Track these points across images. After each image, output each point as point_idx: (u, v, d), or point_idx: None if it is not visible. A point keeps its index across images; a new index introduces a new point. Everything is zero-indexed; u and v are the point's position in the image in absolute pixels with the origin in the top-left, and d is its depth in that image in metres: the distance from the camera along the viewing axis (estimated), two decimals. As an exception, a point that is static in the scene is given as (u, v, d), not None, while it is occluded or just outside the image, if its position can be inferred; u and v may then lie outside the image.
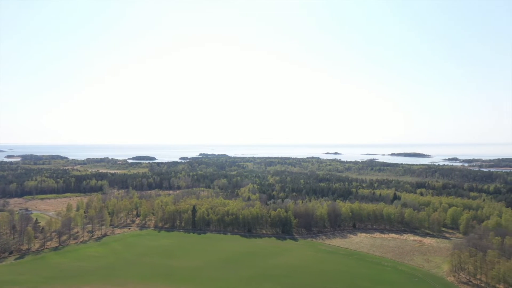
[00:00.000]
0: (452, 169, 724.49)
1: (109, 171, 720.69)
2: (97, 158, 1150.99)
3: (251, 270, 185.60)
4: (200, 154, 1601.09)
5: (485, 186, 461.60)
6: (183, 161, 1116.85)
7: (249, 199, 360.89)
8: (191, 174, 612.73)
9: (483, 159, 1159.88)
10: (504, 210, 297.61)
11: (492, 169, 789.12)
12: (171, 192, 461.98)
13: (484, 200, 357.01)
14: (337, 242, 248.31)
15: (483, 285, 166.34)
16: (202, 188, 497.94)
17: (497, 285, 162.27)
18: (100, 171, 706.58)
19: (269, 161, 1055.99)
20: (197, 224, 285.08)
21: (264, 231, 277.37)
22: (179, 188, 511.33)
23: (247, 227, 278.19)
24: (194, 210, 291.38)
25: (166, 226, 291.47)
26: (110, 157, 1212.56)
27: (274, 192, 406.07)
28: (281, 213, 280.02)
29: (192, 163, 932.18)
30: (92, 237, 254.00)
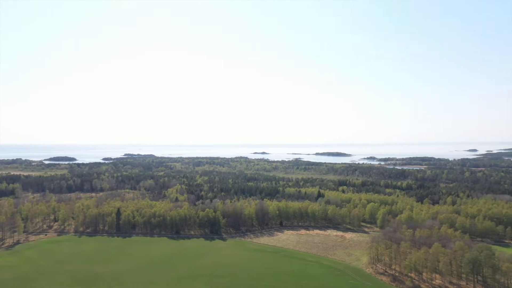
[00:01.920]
0: (370, 168, 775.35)
1: (22, 173, 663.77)
2: (7, 159, 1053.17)
3: (179, 271, 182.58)
4: (125, 155, 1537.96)
5: (399, 183, 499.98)
6: (106, 161, 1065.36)
7: (177, 200, 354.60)
8: (115, 175, 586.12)
9: (397, 157, 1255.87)
10: (415, 205, 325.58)
11: (404, 167, 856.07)
12: (93, 194, 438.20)
13: (398, 195, 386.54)
14: (264, 240, 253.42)
15: (397, 274, 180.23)
16: (128, 190, 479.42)
17: (409, 274, 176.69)
18: (12, 173, 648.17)
19: (197, 161, 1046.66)
20: (122, 227, 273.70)
21: (192, 232, 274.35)
22: (102, 190, 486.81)
23: (175, 228, 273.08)
24: (118, 212, 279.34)
25: (87, 230, 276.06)
26: (23, 158, 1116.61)
27: (203, 192, 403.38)
28: (210, 213, 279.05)
29: (117, 164, 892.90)
30: (3, 246, 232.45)
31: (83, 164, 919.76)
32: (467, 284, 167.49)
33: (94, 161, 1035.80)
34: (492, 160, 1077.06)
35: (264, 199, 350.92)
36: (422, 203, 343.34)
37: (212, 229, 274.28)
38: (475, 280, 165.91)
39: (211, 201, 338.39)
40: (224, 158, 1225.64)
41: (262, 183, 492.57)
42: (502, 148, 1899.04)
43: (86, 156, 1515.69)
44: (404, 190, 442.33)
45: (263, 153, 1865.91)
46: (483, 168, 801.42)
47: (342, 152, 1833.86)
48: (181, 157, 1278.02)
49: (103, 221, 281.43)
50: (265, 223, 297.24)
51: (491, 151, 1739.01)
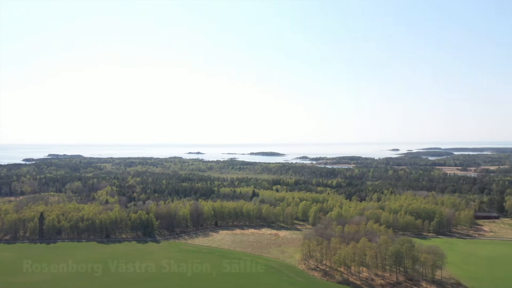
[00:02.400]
0: (303, 167, 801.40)
1: None
2: None
3: (110, 277, 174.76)
4: (50, 155, 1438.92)
5: (329, 181, 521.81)
6: (28, 162, 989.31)
7: (107, 202, 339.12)
8: (38, 177, 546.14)
9: (328, 157, 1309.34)
10: (344, 202, 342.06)
11: (334, 166, 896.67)
12: (12, 198, 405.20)
13: (328, 193, 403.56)
14: (199, 241, 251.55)
15: (328, 269, 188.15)
16: (52, 193, 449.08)
17: (339, 268, 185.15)
18: None
19: (129, 162, 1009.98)
20: (46, 233, 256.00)
21: (124, 235, 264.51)
22: (23, 193, 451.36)
23: (105, 232, 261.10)
24: (42, 217, 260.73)
25: (6, 238, 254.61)
26: None
27: (135, 194, 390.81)
28: (143, 216, 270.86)
29: (40, 165, 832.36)
30: None
31: (0, 165, 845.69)
32: (390, 275, 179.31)
33: (13, 162, 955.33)
34: (412, 159, 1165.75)
35: (199, 200, 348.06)
36: (350, 200, 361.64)
37: (145, 231, 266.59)
38: (398, 271, 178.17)
39: (144, 202, 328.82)
40: (158, 158, 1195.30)
41: (197, 183, 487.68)
42: (421, 148, 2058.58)
43: (3, 157, 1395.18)
44: (334, 188, 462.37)
45: (198, 153, 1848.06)
46: (404, 166, 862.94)
47: (275, 151, 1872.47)
48: (111, 158, 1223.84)
49: (24, 227, 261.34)
50: (200, 223, 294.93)
51: (411, 150, 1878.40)
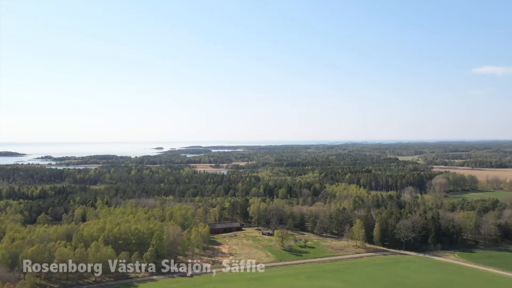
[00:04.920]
0: (16, 169, 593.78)
1: None
2: None
3: None
4: None
5: (35, 189, 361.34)
6: None
7: None
8: None
9: (76, 156, 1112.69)
10: (17, 228, 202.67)
11: (80, 166, 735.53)
12: None
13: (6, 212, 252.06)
14: None
15: None
16: None
17: None
18: None
19: None
20: None
21: None
22: None
23: None
24: None
25: None
26: None
27: None
28: None
29: None
30: None
31: None
32: None
33: None
34: (170, 157, 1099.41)
35: None
36: (36, 222, 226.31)
37: None
38: None
39: None
40: None
41: None
42: (184, 146, 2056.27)
43: None
44: (36, 199, 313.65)
45: None
46: (158, 165, 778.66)
47: (14, 151, 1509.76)
48: None
49: None
50: None
51: (175, 148, 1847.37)
